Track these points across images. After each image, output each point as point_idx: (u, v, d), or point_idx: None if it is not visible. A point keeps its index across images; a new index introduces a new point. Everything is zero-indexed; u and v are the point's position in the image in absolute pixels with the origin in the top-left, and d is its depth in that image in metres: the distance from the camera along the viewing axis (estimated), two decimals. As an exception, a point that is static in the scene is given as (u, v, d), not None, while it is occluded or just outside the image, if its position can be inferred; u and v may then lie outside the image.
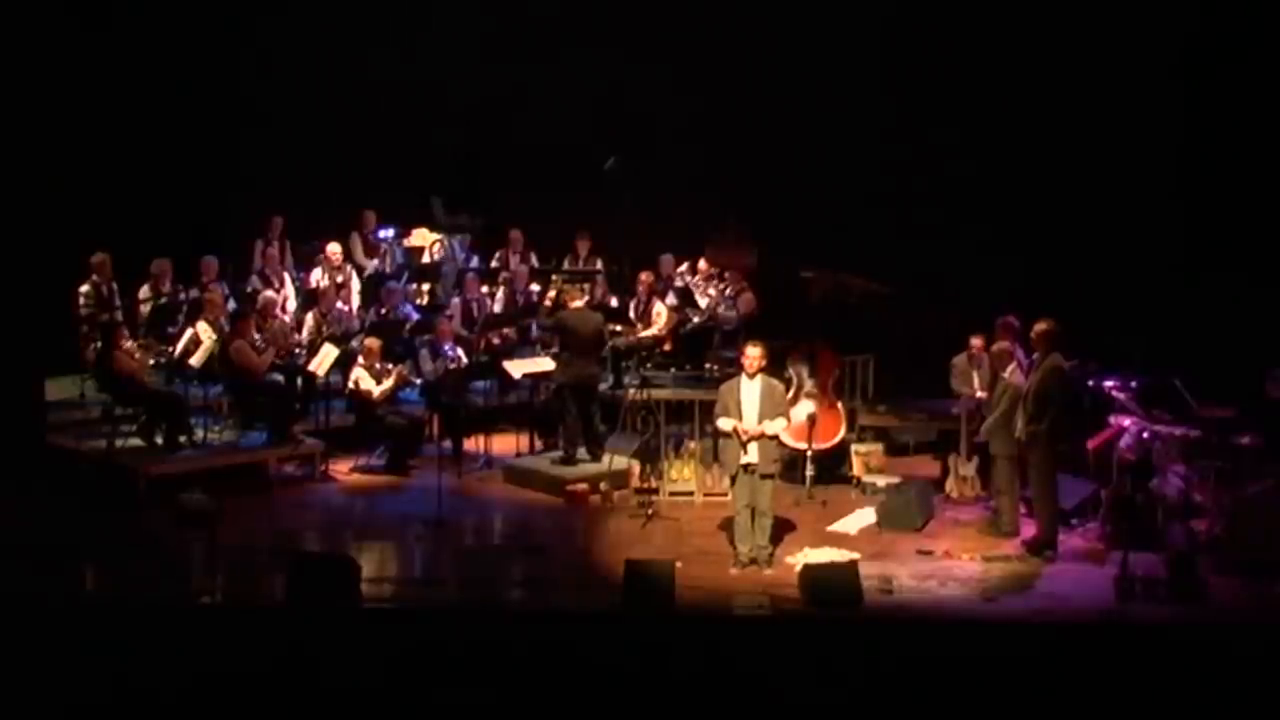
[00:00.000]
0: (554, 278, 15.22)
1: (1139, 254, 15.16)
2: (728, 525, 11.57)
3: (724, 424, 11.19)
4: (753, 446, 11.06)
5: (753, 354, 11.24)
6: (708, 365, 14.44)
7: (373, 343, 13.83)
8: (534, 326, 15.17)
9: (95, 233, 14.21)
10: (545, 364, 13.95)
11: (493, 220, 17.22)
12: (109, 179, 14.72)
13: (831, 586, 10.31)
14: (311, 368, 13.87)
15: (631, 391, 13.75)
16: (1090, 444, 12.32)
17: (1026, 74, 15.64)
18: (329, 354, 13.78)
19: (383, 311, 15.02)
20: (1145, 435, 11.87)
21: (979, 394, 12.90)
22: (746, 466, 11.09)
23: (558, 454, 13.54)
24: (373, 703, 9.05)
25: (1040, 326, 11.52)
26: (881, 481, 13.11)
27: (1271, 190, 14.98)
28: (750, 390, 11.18)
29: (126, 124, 15.19)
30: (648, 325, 15.11)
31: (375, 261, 16.28)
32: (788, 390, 12.33)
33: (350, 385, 13.76)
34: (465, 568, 11.44)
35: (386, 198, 16.44)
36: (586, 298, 14.36)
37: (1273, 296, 14.10)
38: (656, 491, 12.87)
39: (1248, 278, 14.47)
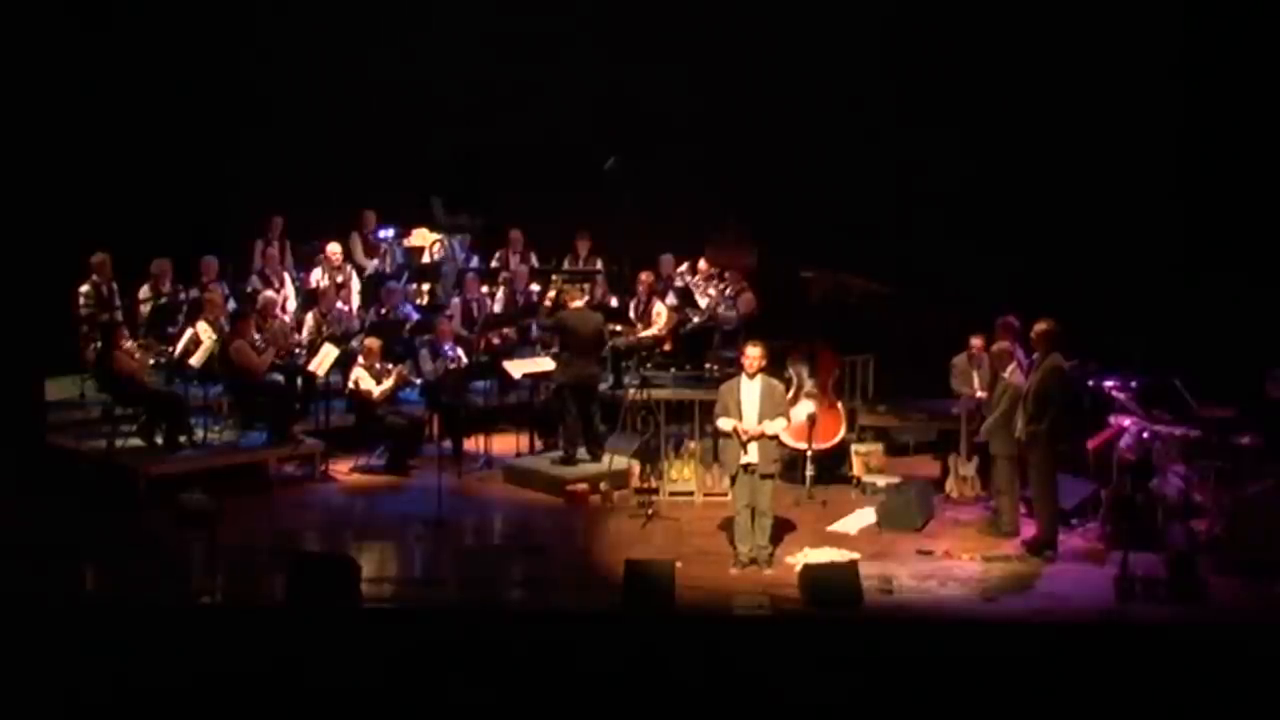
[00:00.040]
0: (554, 278, 15.22)
1: (1139, 254, 15.16)
2: (728, 525, 11.57)
3: (724, 424, 11.19)
4: (753, 446, 11.06)
5: (753, 354, 11.24)
6: (708, 365, 14.44)
7: (373, 343, 13.83)
8: (534, 326, 15.17)
9: (95, 233, 14.21)
10: (545, 364, 13.95)
11: (493, 220, 17.22)
12: (109, 179, 14.72)
13: (831, 586, 10.32)
14: (311, 368, 13.87)
15: (631, 391, 13.75)
16: (1090, 444, 12.32)
17: (1026, 74, 15.65)
18: (329, 354, 13.78)
19: (383, 311, 15.02)
20: (1145, 435, 11.87)
21: (979, 394, 12.90)
22: (746, 466, 11.09)
23: (558, 454, 13.54)
24: (373, 703, 9.05)
25: (1040, 326, 11.52)
26: (881, 481, 13.11)
27: (1271, 190, 14.98)
28: (750, 390, 11.18)
29: (126, 124, 15.18)
30: (648, 325, 15.11)
31: (375, 261, 16.28)
32: (788, 390, 12.33)
33: (350, 385, 13.76)
34: (465, 568, 11.44)
35: (386, 198, 16.44)
36: (586, 298, 14.36)
37: (1273, 296, 14.10)
38: (656, 491, 12.88)
39: (1248, 278, 14.47)
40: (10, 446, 12.44)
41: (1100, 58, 15.60)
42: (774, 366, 11.89)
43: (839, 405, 13.41)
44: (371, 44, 16.65)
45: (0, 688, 8.98)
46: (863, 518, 12.38)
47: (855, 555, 11.11)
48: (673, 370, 14.55)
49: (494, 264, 16.46)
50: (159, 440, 13.06)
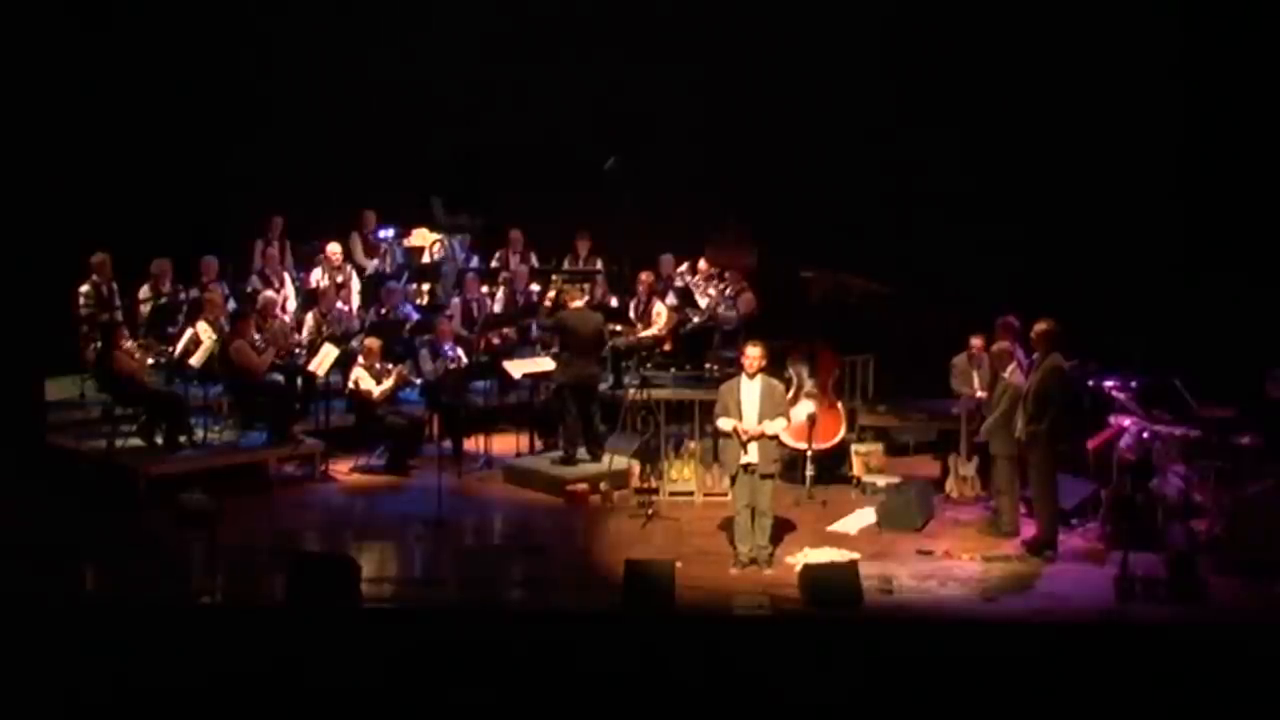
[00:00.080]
0: (554, 278, 15.22)
1: (1139, 254, 15.16)
2: (728, 525, 11.57)
3: (724, 424, 11.18)
4: (753, 446, 11.06)
5: (753, 354, 11.24)
6: (708, 365, 14.45)
7: (373, 343, 13.83)
8: (534, 326, 15.17)
9: (95, 233, 14.21)
10: (545, 364, 13.95)
11: (493, 220, 17.22)
12: (109, 179, 14.72)
13: (831, 586, 10.32)
14: (311, 368, 13.87)
15: (631, 391, 13.75)
16: (1090, 444, 12.32)
17: (1026, 74, 15.64)
18: (329, 354, 13.78)
19: (383, 311, 15.02)
20: (1145, 435, 11.87)
21: (979, 394, 12.90)
22: (746, 466, 11.09)
23: (558, 454, 13.54)
24: (373, 703, 9.05)
25: (1040, 326, 11.52)
26: (881, 481, 13.11)
27: (1271, 190, 14.97)
28: (750, 390, 11.18)
29: (126, 124, 15.18)
30: (648, 325, 15.11)
31: (375, 261, 16.28)
32: (788, 390, 12.33)
33: (350, 385, 13.76)
34: (465, 568, 11.44)
35: (386, 198, 16.44)
36: (586, 298, 14.36)
37: (1273, 296, 14.10)
38: (656, 491, 12.87)
39: (1248, 278, 14.47)
40: (10, 446, 12.44)
41: (1100, 57, 15.59)
42: (774, 366, 11.89)
43: (839, 405, 13.41)
44: (371, 44, 16.65)
45: (0, 688, 8.97)
46: (863, 518, 12.37)
47: (855, 555, 11.11)
48: (673, 370, 14.55)
49: (494, 264, 16.45)
50: (159, 440, 13.06)
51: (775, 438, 11.22)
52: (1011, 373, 11.93)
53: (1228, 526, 11.30)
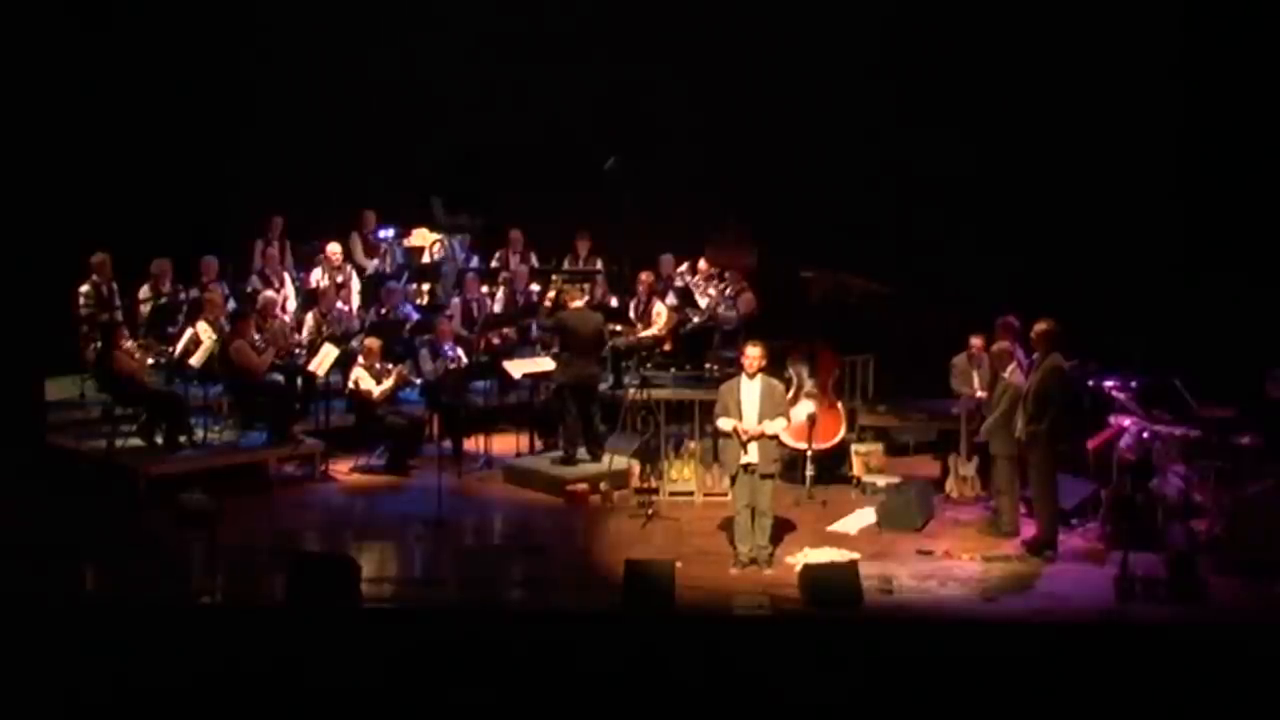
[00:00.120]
0: (554, 278, 15.22)
1: (1139, 254, 15.16)
2: (728, 525, 11.57)
3: (724, 424, 11.18)
4: (753, 446, 11.05)
5: (753, 354, 11.24)
6: (708, 365, 14.44)
7: (373, 343, 13.83)
8: (534, 326, 15.17)
9: (95, 233, 14.21)
10: (545, 364, 13.95)
11: (493, 220, 17.22)
12: (109, 179, 14.72)
13: (831, 586, 10.31)
14: (311, 368, 13.87)
15: (631, 391, 13.75)
16: (1090, 444, 12.32)
17: (1026, 74, 15.64)
18: (329, 354, 13.78)
19: (383, 311, 15.02)
20: (1145, 435, 11.87)
21: (979, 394, 12.90)
22: (746, 466, 11.09)
23: (558, 454, 13.54)
24: (373, 703, 9.05)
25: (1040, 326, 11.52)
26: (881, 481, 13.11)
27: (1271, 190, 14.97)
28: (750, 390, 11.17)
29: (126, 124, 15.18)
30: (648, 325, 15.11)
31: (375, 261, 16.29)
32: (788, 390, 12.33)
33: (350, 385, 13.76)
34: (465, 568, 11.44)
35: (386, 198, 16.45)
36: (586, 298, 14.36)
37: (1273, 296, 14.10)
38: (656, 491, 12.87)
39: (1248, 278, 14.47)
40: (10, 446, 12.44)
41: (1100, 57, 15.59)
42: (774, 366, 11.89)
43: (839, 405, 13.41)
44: (371, 44, 16.65)
45: (0, 688, 8.97)
46: (863, 518, 12.37)
47: (855, 555, 11.11)
48: (673, 370, 14.55)
49: (494, 264, 16.45)
50: (159, 440, 13.06)
51: (775, 438, 11.22)
52: (1011, 373, 11.93)
53: (1228, 526, 11.30)
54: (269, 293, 14.72)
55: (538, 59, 16.79)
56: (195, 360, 13.29)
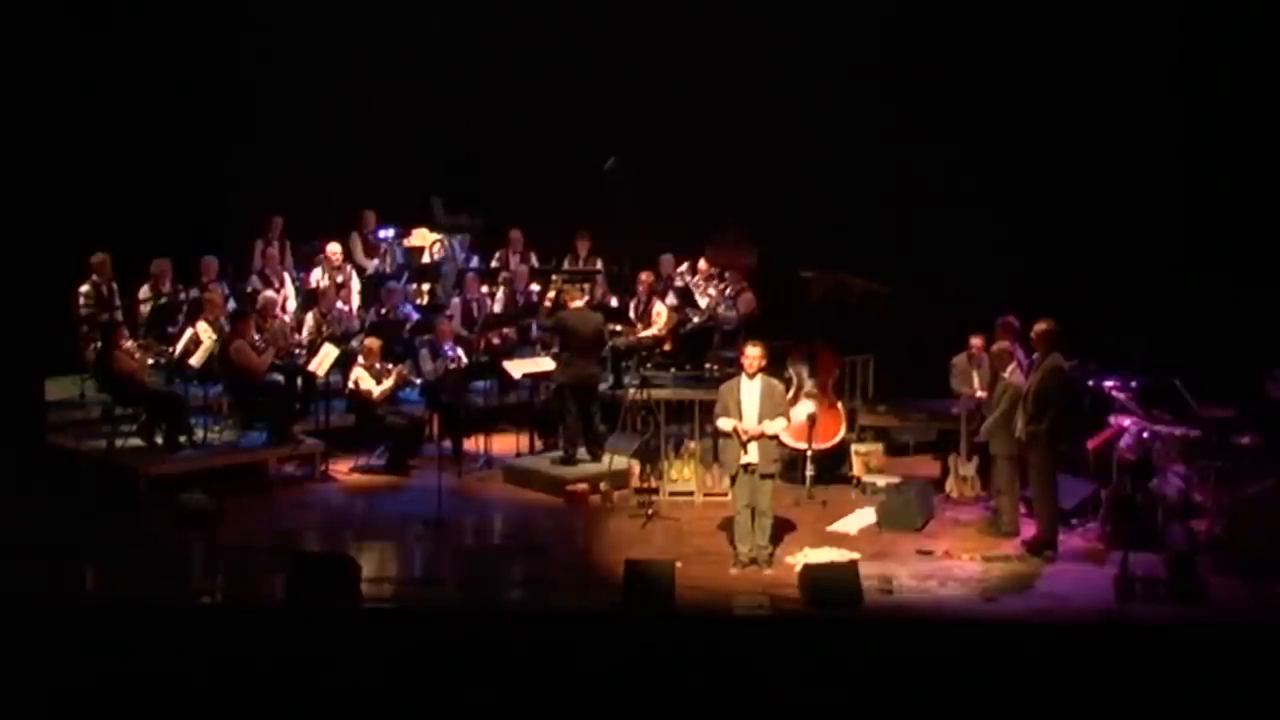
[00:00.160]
0: (554, 278, 15.22)
1: (1139, 254, 15.16)
2: (728, 525, 11.56)
3: (724, 424, 11.18)
4: (753, 446, 11.05)
5: (753, 354, 11.24)
6: (708, 365, 14.45)
7: (373, 343, 13.83)
8: (534, 326, 15.17)
9: (95, 233, 14.21)
10: (545, 364, 13.95)
11: (493, 220, 17.22)
12: (109, 179, 14.72)
13: (831, 586, 10.31)
14: (311, 368, 13.87)
15: (631, 391, 13.75)
16: (1090, 444, 12.32)
17: (1026, 73, 15.64)
18: (329, 354, 13.78)
19: (383, 311, 15.02)
20: (1145, 435, 11.87)
21: (979, 394, 12.90)
22: (746, 466, 11.09)
23: (558, 454, 13.54)
24: (373, 703, 9.05)
25: (1040, 326, 11.52)
26: (881, 481, 13.11)
27: (1271, 190, 14.97)
28: (750, 390, 11.17)
29: (126, 124, 15.18)
30: (648, 325, 15.11)
31: (375, 261, 16.29)
32: (788, 390, 12.33)
33: (350, 385, 13.76)
34: (465, 568, 11.44)
35: (386, 198, 16.45)
36: (586, 298, 14.36)
37: (1273, 296, 14.10)
38: (656, 491, 12.87)
39: (1248, 278, 14.46)
40: (10, 446, 12.44)
41: (1100, 57, 15.59)
42: (774, 366, 11.89)
43: (839, 405, 13.41)
44: (371, 44, 16.65)
45: (1, 688, 8.97)
46: (863, 518, 12.37)
47: (855, 555, 11.11)
48: (673, 370, 14.55)
49: (494, 264, 16.46)
50: (159, 440, 13.06)
51: (775, 438, 11.22)
52: (1011, 373, 11.93)
53: (1228, 526, 11.30)
54: (269, 293, 14.72)
55: (538, 59, 16.78)
56: (195, 360, 13.29)
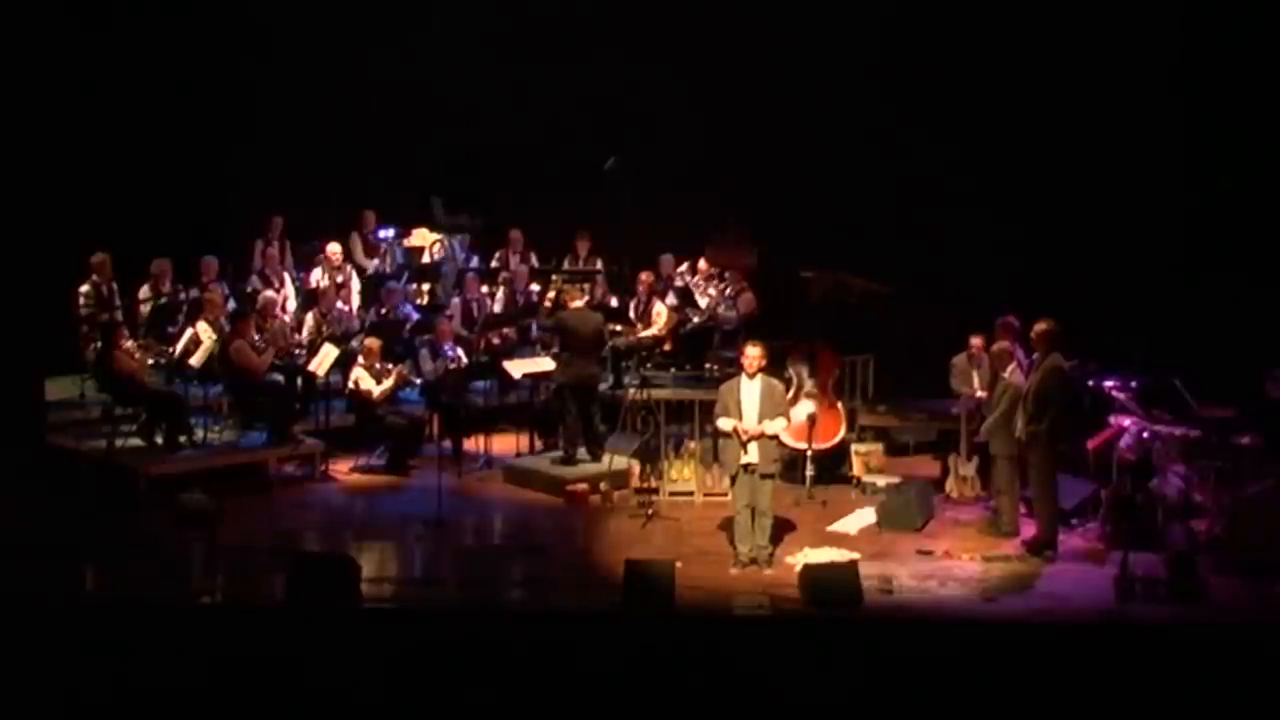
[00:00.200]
0: (554, 278, 15.22)
1: (1139, 254, 15.16)
2: (728, 525, 11.56)
3: (724, 424, 11.18)
4: (753, 446, 11.05)
5: (753, 354, 11.24)
6: (708, 365, 14.45)
7: (373, 343, 13.83)
8: (534, 326, 15.17)
9: (95, 233, 14.21)
10: (545, 364, 13.95)
11: (493, 220, 17.22)
12: (109, 179, 14.72)
13: (831, 586, 10.31)
14: (311, 368, 13.87)
15: (631, 391, 13.75)
16: (1090, 444, 12.32)
17: (1026, 73, 15.64)
18: (329, 354, 13.78)
19: (383, 311, 15.02)
20: (1145, 435, 11.87)
21: (979, 394, 12.90)
22: (746, 466, 11.09)
23: (558, 454, 13.54)
24: (373, 703, 9.05)
25: (1040, 326, 11.52)
26: (881, 481, 13.11)
27: (1271, 190, 14.97)
28: (750, 390, 11.17)
29: (126, 124, 15.18)
30: (648, 325, 15.11)
31: (375, 261, 16.29)
32: (788, 390, 12.33)
33: (350, 385, 13.76)
34: (465, 568, 11.44)
35: (386, 198, 16.45)
36: (586, 298, 14.36)
37: (1273, 296, 14.10)
38: (656, 491, 12.87)
39: (1248, 278, 14.46)
40: (10, 446, 12.44)
41: (1101, 57, 15.59)
42: (774, 366, 11.89)
43: (839, 405, 13.41)
44: (371, 44, 16.65)
45: (0, 688, 8.97)
46: (863, 518, 12.37)
47: (855, 555, 11.10)
48: (673, 370, 14.55)
49: (494, 264, 16.46)
50: (159, 440, 13.06)
51: (775, 438, 11.22)
52: (1011, 373, 11.93)
53: (1228, 526, 11.30)
54: (269, 293, 14.72)
55: (538, 59, 16.79)
56: (195, 360, 13.29)
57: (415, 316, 15.13)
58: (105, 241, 14.21)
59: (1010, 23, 15.78)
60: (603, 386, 14.07)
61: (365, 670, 9.23)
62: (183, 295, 14.47)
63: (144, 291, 14.41)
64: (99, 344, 13.26)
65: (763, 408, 11.10)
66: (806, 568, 10.63)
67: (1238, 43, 15.21)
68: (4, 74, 12.65)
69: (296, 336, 14.50)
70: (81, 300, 13.99)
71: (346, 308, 15.14)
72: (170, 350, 13.56)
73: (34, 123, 12.85)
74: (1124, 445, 11.96)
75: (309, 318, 14.67)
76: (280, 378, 13.85)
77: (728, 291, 15.33)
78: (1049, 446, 11.40)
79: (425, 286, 16.31)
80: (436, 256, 16.86)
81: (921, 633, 10.02)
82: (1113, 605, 10.37)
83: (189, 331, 13.46)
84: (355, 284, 15.59)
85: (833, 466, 13.38)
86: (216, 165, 15.92)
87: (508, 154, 16.86)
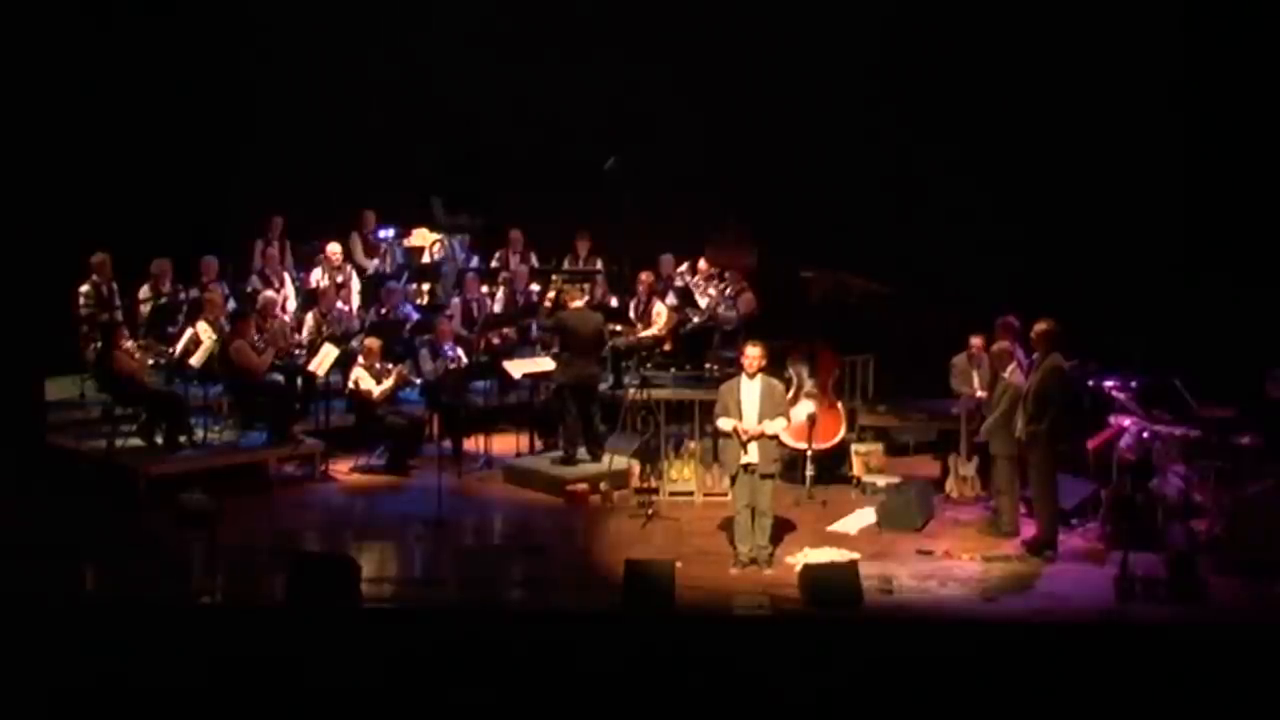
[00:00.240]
0: (554, 278, 15.21)
1: (1139, 254, 15.16)
2: (728, 525, 11.56)
3: (724, 424, 11.18)
4: (753, 446, 11.05)
5: (753, 354, 11.24)
6: (708, 365, 14.45)
7: (373, 343, 13.83)
8: (534, 326, 15.17)
9: (95, 233, 14.21)
10: (545, 364, 13.95)
11: (493, 220, 17.22)
12: (109, 179, 14.72)
13: (831, 586, 10.31)
14: (311, 368, 13.87)
15: (631, 391, 13.75)
16: (1090, 444, 12.32)
17: (1027, 74, 15.64)
18: (329, 354, 13.78)
19: (383, 311, 15.02)
20: (1145, 435, 11.87)
21: (979, 394, 12.90)
22: (746, 466, 11.09)
23: (558, 454, 13.54)
24: (373, 703, 9.05)
25: (1040, 326, 11.52)
26: (881, 481, 13.11)
27: (1271, 191, 14.97)
28: (750, 390, 11.17)
29: (127, 124, 15.18)
30: (648, 325, 15.11)
31: (375, 261, 16.29)
32: (788, 390, 12.33)
33: (350, 385, 13.76)
34: (465, 568, 11.44)
35: (386, 198, 16.45)
36: (586, 298, 14.35)
37: (1273, 296, 14.10)
38: (656, 491, 12.87)
39: (1248, 278, 14.46)
40: (10, 446, 12.44)
41: (1100, 57, 15.59)
42: (774, 366, 11.89)
43: (839, 405, 13.41)
44: (372, 44, 16.65)
45: (1, 688, 8.97)
46: (863, 518, 12.37)
47: (855, 555, 11.10)
48: (673, 370, 14.55)
49: (494, 264, 16.46)
50: (159, 440, 13.06)
51: (775, 438, 11.21)
52: (1011, 373, 11.93)
53: (1228, 526, 11.30)
54: (269, 293, 14.72)
55: (538, 59, 16.79)
56: (195, 360, 13.29)
57: (415, 316, 15.13)
58: (105, 241, 14.21)
59: (1010, 22, 15.78)
60: (603, 386, 14.07)
61: (365, 670, 9.22)
62: (183, 295, 14.47)
63: (144, 291, 14.41)
64: (99, 344, 13.26)
65: (763, 408, 11.10)
66: (806, 568, 10.63)
67: (1238, 43, 15.20)
68: (4, 74, 12.66)
69: (296, 336, 14.50)
70: (81, 300, 13.99)
71: (346, 308, 15.14)
72: (170, 350, 13.56)
73: (34, 123, 12.86)
74: (1124, 445, 11.96)
75: (309, 318, 14.67)
76: (280, 378, 13.85)
77: (728, 291, 15.33)
78: (1049, 446, 11.40)
79: (425, 286, 16.31)
80: (436, 256, 16.86)
81: (921, 633, 10.02)
82: (1113, 605, 10.37)
83: (189, 331, 13.46)
84: (355, 284, 15.59)
85: (833, 466, 13.38)
86: (216, 165, 15.92)
87: (508, 154, 16.86)
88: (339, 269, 15.50)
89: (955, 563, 11.32)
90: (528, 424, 14.37)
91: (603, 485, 13.03)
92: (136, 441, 13.06)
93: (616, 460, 13.28)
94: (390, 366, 13.80)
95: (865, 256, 14.51)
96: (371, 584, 10.55)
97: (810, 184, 16.15)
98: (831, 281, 14.22)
